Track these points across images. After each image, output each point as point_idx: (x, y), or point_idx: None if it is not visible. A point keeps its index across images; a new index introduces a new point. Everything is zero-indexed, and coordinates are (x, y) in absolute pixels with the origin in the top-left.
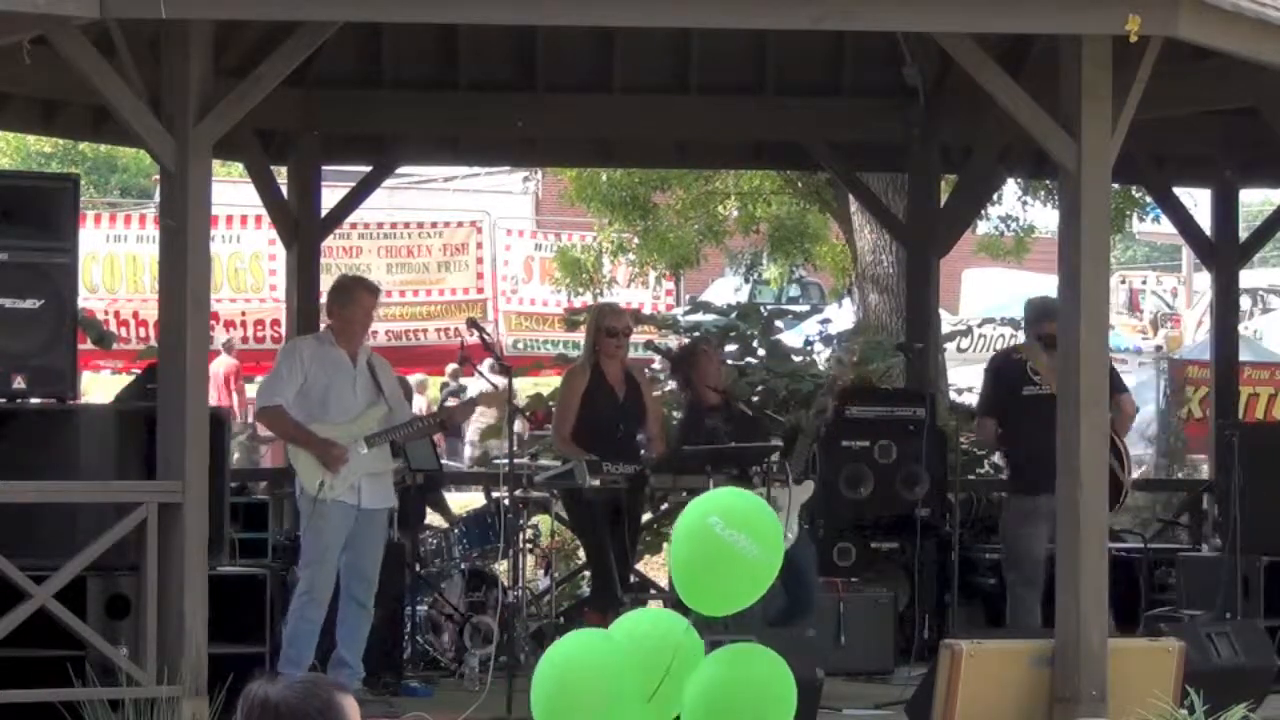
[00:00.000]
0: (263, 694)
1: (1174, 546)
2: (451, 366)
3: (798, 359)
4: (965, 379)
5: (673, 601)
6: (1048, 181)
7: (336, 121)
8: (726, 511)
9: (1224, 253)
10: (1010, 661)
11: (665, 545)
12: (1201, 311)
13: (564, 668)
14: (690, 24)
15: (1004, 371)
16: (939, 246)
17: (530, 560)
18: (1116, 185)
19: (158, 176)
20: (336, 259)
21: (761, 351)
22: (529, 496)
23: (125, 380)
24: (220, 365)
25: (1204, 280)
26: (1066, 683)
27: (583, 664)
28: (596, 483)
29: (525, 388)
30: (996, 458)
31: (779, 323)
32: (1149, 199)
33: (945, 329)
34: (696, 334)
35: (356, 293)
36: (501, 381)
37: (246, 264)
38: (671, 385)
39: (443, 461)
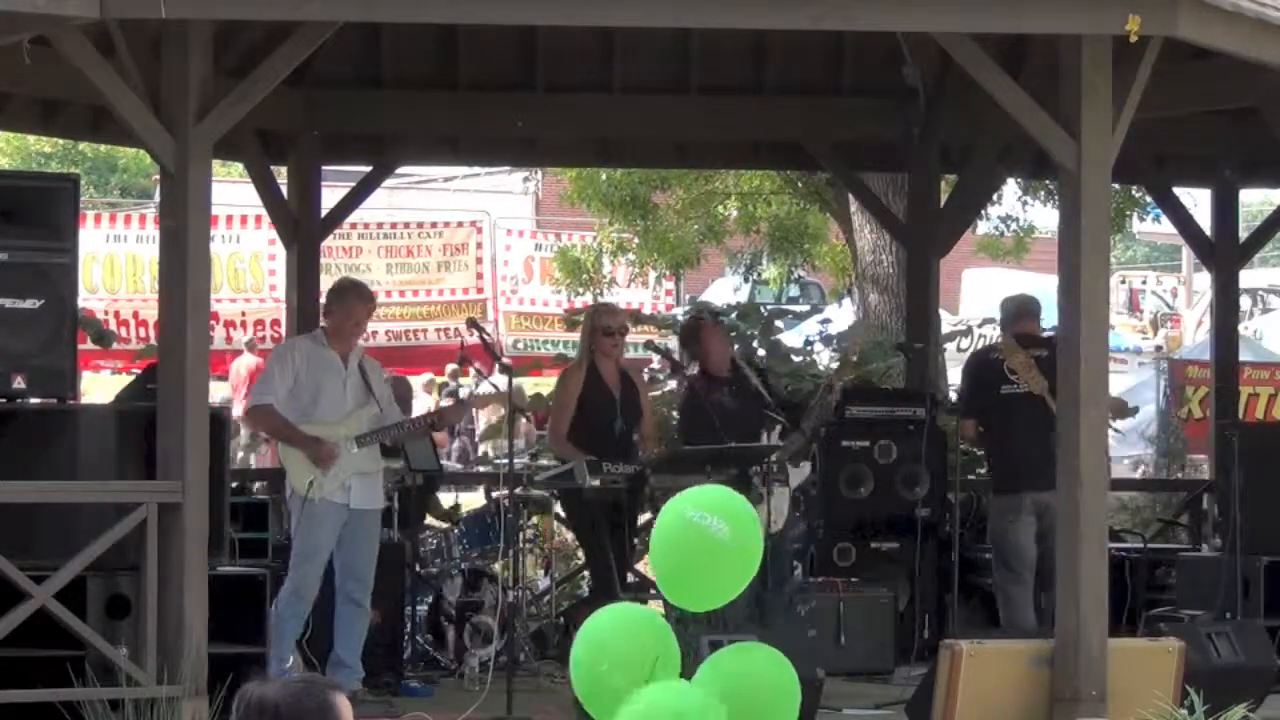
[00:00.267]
0: (259, 694)
1: (1174, 546)
2: (451, 367)
3: (798, 359)
4: None
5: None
6: (1048, 181)
7: (336, 121)
8: (697, 501)
9: (1224, 253)
10: (1010, 661)
11: None
12: (1201, 311)
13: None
14: (690, 24)
15: (981, 371)
16: (939, 246)
17: (530, 560)
18: (1116, 185)
19: (158, 176)
20: (336, 259)
21: (761, 352)
22: (529, 496)
23: (125, 380)
24: (244, 364)
25: (1204, 280)
26: (1066, 683)
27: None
28: (596, 483)
29: (526, 388)
30: None
31: (779, 323)
32: (1149, 199)
33: (945, 329)
34: (693, 311)
35: (349, 299)
36: (502, 382)
37: (246, 264)
38: (671, 385)
39: (443, 462)
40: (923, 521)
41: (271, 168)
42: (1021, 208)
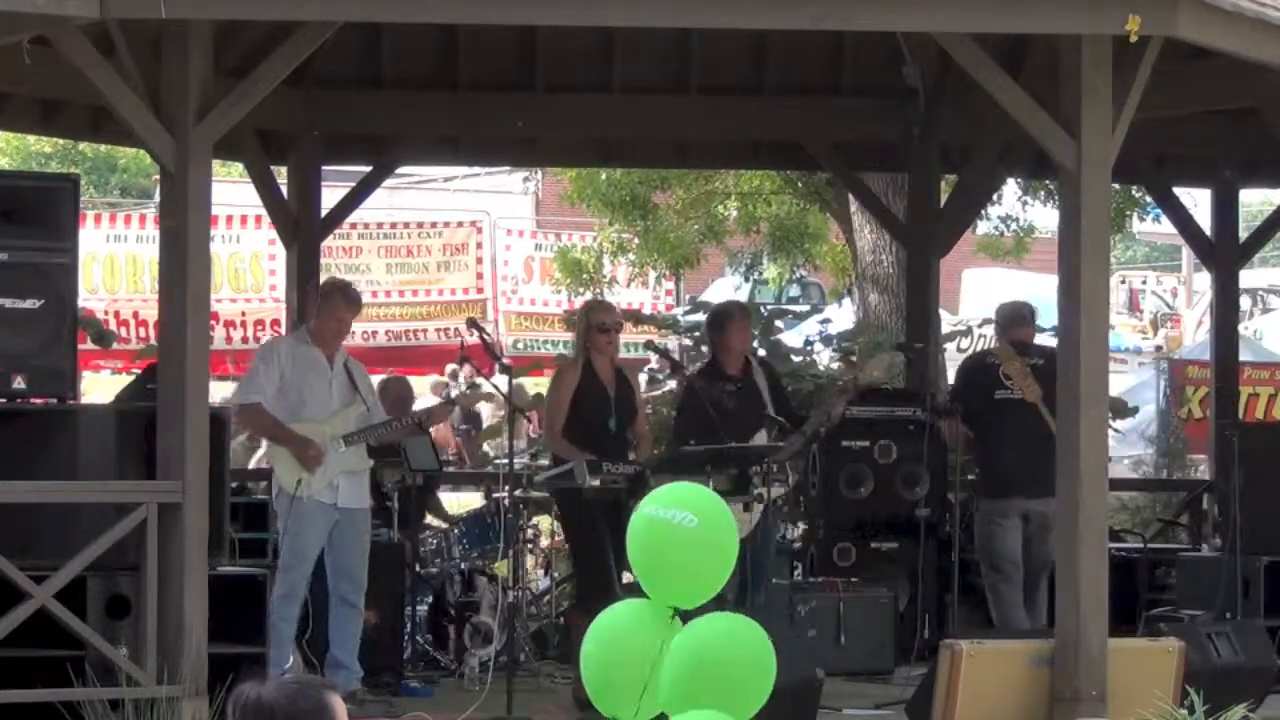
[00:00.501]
0: (255, 695)
1: (1174, 546)
2: (451, 367)
3: (798, 359)
4: None
5: None
6: (1048, 181)
7: (336, 121)
8: (659, 500)
9: (1224, 253)
10: (1010, 661)
11: None
12: (1201, 311)
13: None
14: (690, 24)
15: (976, 375)
16: (939, 246)
17: (530, 560)
18: (1116, 185)
19: (158, 176)
20: (336, 259)
21: (762, 352)
22: (529, 496)
23: (125, 380)
24: None
25: (1204, 280)
26: (1066, 683)
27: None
28: (596, 483)
29: (527, 387)
30: None
31: (779, 323)
32: (1149, 199)
33: (945, 329)
34: (730, 300)
35: (334, 301)
36: (502, 382)
37: (246, 264)
38: (671, 385)
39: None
40: (923, 521)
41: (271, 168)
42: (1021, 208)
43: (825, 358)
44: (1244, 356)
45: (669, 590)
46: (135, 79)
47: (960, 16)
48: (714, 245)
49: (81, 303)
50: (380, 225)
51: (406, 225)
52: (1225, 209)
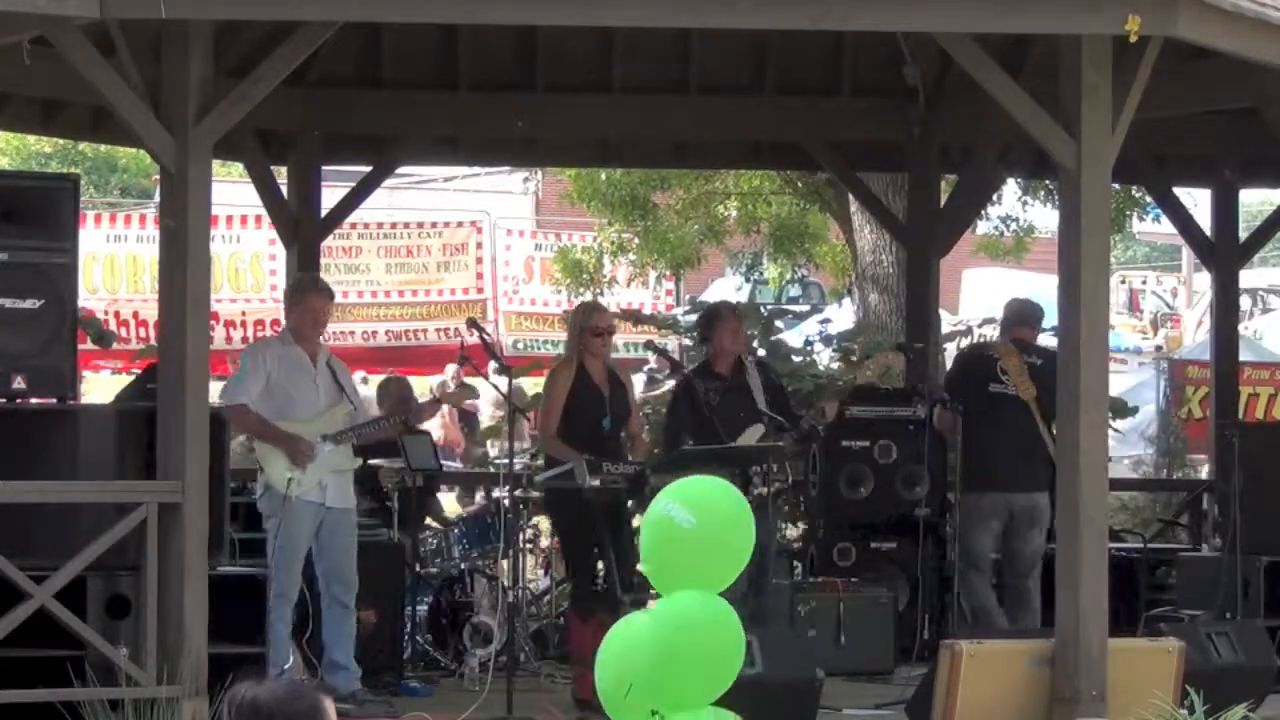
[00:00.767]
0: (252, 696)
1: (1174, 546)
2: (451, 366)
3: (798, 359)
4: None
5: None
6: (1048, 181)
7: (336, 121)
8: (673, 492)
9: (1224, 253)
10: (1010, 661)
11: None
12: (1201, 311)
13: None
14: (690, 24)
15: (973, 366)
16: (939, 246)
17: (530, 560)
18: (1116, 185)
19: (158, 176)
20: (336, 259)
21: (762, 352)
22: (529, 496)
23: (125, 380)
24: None
25: (1204, 280)
26: (1066, 683)
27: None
28: (596, 483)
29: (527, 388)
30: None
31: (779, 323)
32: (1149, 199)
33: (945, 329)
34: (720, 300)
35: (305, 295)
36: (502, 382)
37: (246, 264)
38: (670, 385)
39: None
40: (923, 521)
41: (271, 168)
42: (1021, 208)
43: (825, 358)
44: (1244, 356)
45: (670, 584)
46: (135, 79)
47: (960, 16)
48: (714, 245)
49: (81, 303)
50: (380, 225)
51: (406, 225)
52: (1225, 209)
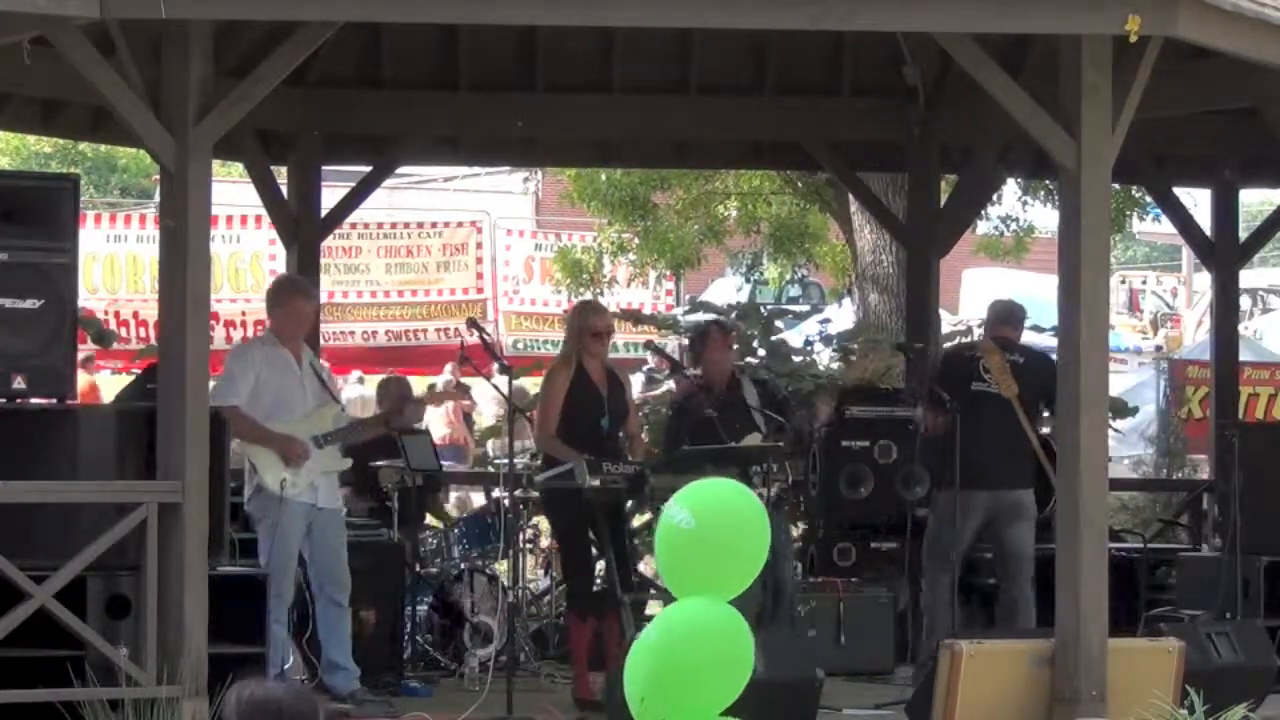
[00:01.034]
0: (262, 693)
1: (1174, 546)
2: (450, 366)
3: (798, 359)
4: None
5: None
6: (1048, 181)
7: (336, 121)
8: (682, 495)
9: (1224, 253)
10: (1010, 661)
11: None
12: (1201, 311)
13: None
14: (690, 24)
15: (955, 364)
16: (939, 246)
17: (530, 560)
18: (1116, 185)
19: (158, 176)
20: (336, 259)
21: (762, 352)
22: (529, 496)
23: (125, 380)
24: None
25: (1204, 280)
26: (1066, 683)
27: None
28: (596, 483)
29: (527, 388)
30: None
31: (779, 323)
32: (1149, 199)
33: (945, 329)
34: (714, 316)
35: (288, 297)
36: (502, 382)
37: (246, 264)
38: (670, 385)
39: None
40: (923, 521)
41: (271, 168)
42: (1021, 208)
43: (825, 358)
44: (1244, 356)
45: (682, 588)
46: (135, 79)
47: (960, 16)
48: (714, 245)
49: (81, 303)
50: (380, 225)
51: (406, 225)
52: (1225, 209)
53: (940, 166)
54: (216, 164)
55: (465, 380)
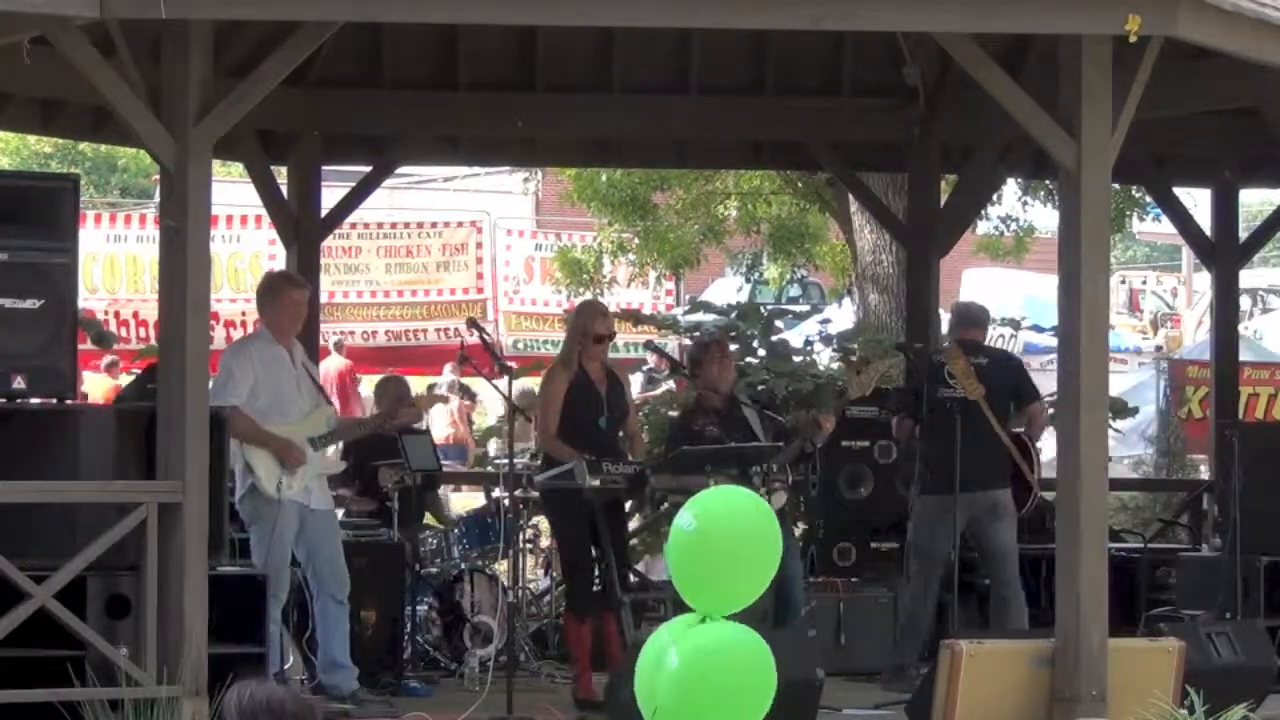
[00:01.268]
0: (265, 694)
1: (1174, 546)
2: (450, 366)
3: (798, 359)
4: None
5: (673, 600)
6: (1048, 181)
7: (336, 121)
8: (694, 501)
9: (1224, 253)
10: (1010, 661)
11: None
12: (1201, 311)
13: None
14: (690, 24)
15: (921, 370)
16: (939, 246)
17: (530, 560)
18: (1116, 185)
19: (158, 176)
20: (336, 259)
21: (762, 352)
22: (529, 496)
23: (125, 380)
24: (333, 365)
25: (1204, 280)
26: (1066, 683)
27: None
28: (596, 483)
29: (532, 387)
30: None
31: (779, 323)
32: (1149, 199)
33: (945, 329)
34: (712, 332)
35: (281, 290)
36: (502, 383)
37: (246, 264)
38: (669, 385)
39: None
40: None
41: (271, 168)
42: (1021, 208)
43: (825, 358)
44: (1244, 356)
45: (693, 594)
46: (135, 79)
47: (960, 16)
48: (714, 245)
49: (81, 303)
50: (380, 225)
51: (406, 225)
52: (1225, 209)
53: (940, 166)
54: (216, 164)
55: (465, 380)
